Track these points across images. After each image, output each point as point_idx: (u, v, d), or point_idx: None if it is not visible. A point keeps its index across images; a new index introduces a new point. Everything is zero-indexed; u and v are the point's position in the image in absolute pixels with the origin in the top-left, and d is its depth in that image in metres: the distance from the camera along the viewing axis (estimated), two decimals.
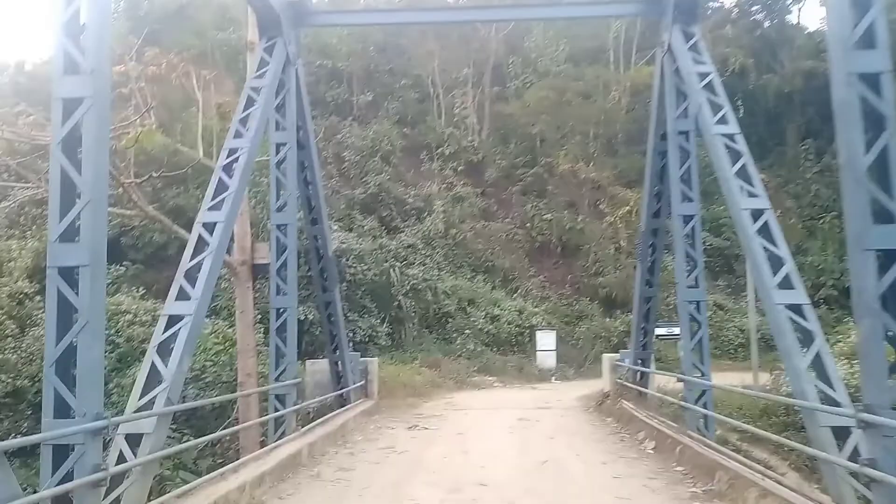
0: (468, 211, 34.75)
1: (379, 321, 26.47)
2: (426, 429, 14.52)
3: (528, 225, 35.19)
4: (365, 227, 31.30)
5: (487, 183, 37.12)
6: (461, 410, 17.64)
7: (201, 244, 9.29)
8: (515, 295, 31.92)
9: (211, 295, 9.26)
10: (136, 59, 16.84)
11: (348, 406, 15.28)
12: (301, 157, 13.71)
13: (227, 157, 10.32)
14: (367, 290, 26.79)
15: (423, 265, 30.05)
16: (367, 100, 39.17)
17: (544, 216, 35.05)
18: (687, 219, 11.95)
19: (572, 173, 35.57)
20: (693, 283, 11.89)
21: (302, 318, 23.17)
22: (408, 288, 27.96)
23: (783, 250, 8.86)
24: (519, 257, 34.07)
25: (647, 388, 15.85)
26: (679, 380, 12.08)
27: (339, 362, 15.60)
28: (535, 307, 31.03)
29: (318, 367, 16.93)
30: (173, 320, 8.53)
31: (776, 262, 8.73)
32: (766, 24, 48.16)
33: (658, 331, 21.27)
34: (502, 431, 14.17)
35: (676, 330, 28.65)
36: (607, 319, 31.15)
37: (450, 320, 28.99)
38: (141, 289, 23.07)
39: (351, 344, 25.20)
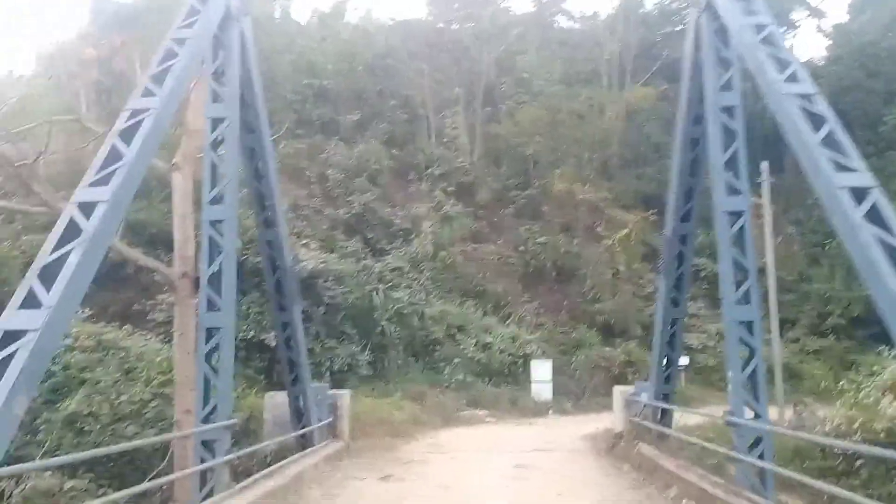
0: (458, 233, 31.85)
1: (360, 348, 23.32)
2: (402, 480, 11.37)
3: (522, 248, 32.28)
4: (348, 249, 28.30)
5: (479, 205, 34.30)
6: (447, 454, 14.46)
7: (71, 230, 6.27)
8: (508, 322, 28.81)
9: (78, 303, 6.23)
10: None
11: (310, 450, 12.12)
12: (249, 142, 10.80)
13: (128, 119, 7.37)
14: (348, 314, 23.71)
15: (410, 288, 27.02)
16: (354, 120, 36.45)
17: (538, 239, 32.17)
18: (734, 216, 9.03)
19: (567, 195, 32.84)
20: (743, 299, 8.92)
21: (274, 343, 20.14)
22: (392, 313, 24.87)
23: None
24: (512, 282, 31.07)
25: (669, 427, 12.80)
26: (728, 422, 9.02)
27: (301, 396, 12.46)
28: (530, 335, 27.92)
29: (280, 401, 13.76)
30: (9, 338, 5.48)
31: None
32: None
33: None
34: (497, 484, 11.05)
35: (682, 360, 25.83)
36: (606, 348, 28.13)
37: (437, 348, 25.84)
38: (89, 310, 19.83)
39: (328, 373, 22.12)
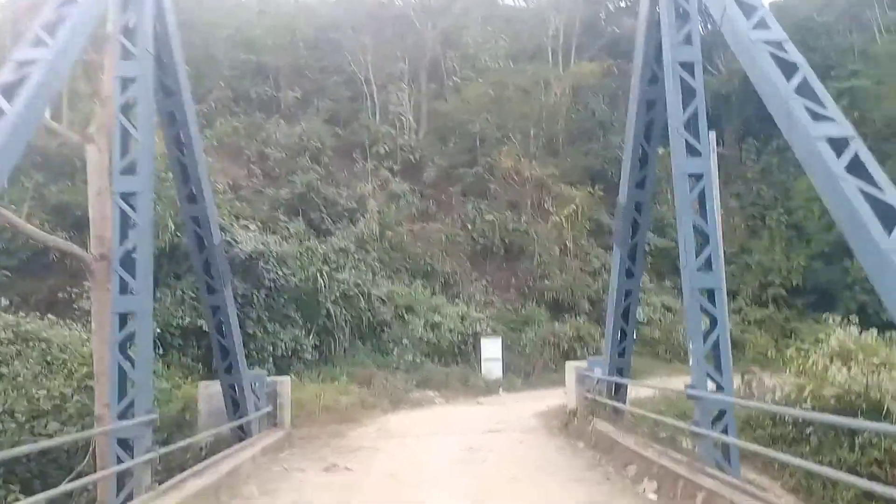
0: (405, 212, 30.88)
1: (304, 332, 22.23)
2: (348, 469, 10.53)
3: (470, 227, 31.53)
4: (291, 230, 27.04)
5: (426, 183, 33.34)
6: (396, 438, 13.68)
7: None
8: (457, 300, 28.09)
9: None
10: None
11: (247, 442, 11.16)
12: (168, 107, 9.67)
13: (12, 72, 6.22)
14: (291, 297, 22.55)
15: (356, 269, 25.94)
16: (296, 97, 35.01)
17: (486, 217, 31.48)
18: (695, 179, 8.43)
19: (514, 171, 32.21)
20: (705, 266, 8.35)
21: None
22: (337, 294, 23.80)
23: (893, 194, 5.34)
24: (460, 260, 30.30)
25: (624, 402, 12.32)
26: (689, 396, 8.48)
27: (235, 385, 11.45)
28: (479, 313, 27.29)
29: (215, 391, 12.70)
30: None
31: (889, 214, 5.20)
32: (701, 28, 46.25)
33: None
34: (448, 470, 10.34)
35: None
36: (556, 324, 27.71)
37: (385, 329, 24.95)
38: (7, 300, 18.20)
39: (271, 359, 21.01)
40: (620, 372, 12.05)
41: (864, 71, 37.49)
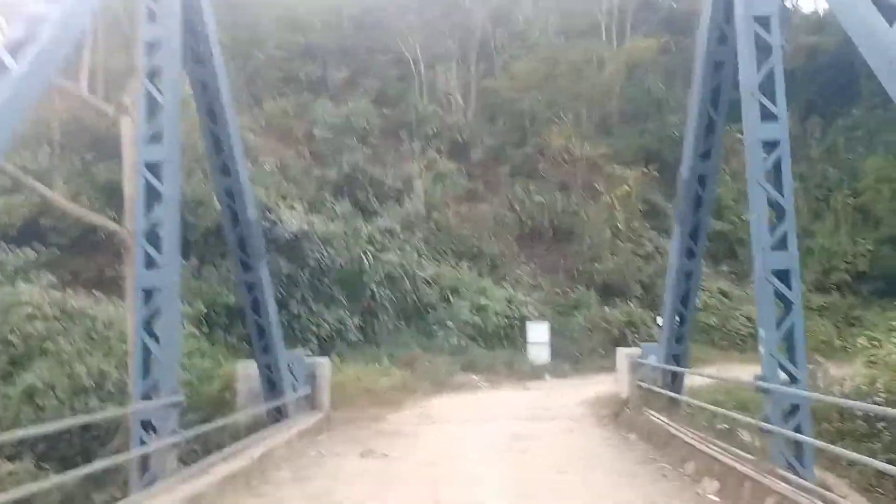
0: (452, 193, 30.13)
1: (349, 313, 21.87)
2: (385, 455, 10.00)
3: (518, 208, 30.58)
4: (337, 211, 26.66)
5: (474, 163, 32.47)
6: (437, 424, 13.10)
7: None
8: (504, 283, 27.30)
9: None
10: None
11: (283, 424, 10.73)
12: (200, 75, 9.15)
13: (22, 28, 5.74)
14: (336, 278, 22.22)
15: (402, 251, 25.40)
16: (343, 77, 34.52)
17: (535, 198, 30.47)
18: (769, 146, 7.47)
19: (565, 151, 31.07)
20: (780, 244, 7.41)
21: None
22: (382, 276, 23.33)
23: None
24: (508, 242, 29.46)
25: (680, 392, 11.43)
26: (758, 388, 7.58)
27: (272, 365, 11.02)
28: (526, 296, 26.45)
29: (253, 371, 12.34)
30: None
31: None
32: None
33: None
34: (491, 460, 9.68)
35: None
36: (606, 309, 26.66)
37: (430, 311, 24.38)
38: (57, 277, 18.28)
39: (315, 339, 20.75)
40: (677, 359, 11.16)
41: None
